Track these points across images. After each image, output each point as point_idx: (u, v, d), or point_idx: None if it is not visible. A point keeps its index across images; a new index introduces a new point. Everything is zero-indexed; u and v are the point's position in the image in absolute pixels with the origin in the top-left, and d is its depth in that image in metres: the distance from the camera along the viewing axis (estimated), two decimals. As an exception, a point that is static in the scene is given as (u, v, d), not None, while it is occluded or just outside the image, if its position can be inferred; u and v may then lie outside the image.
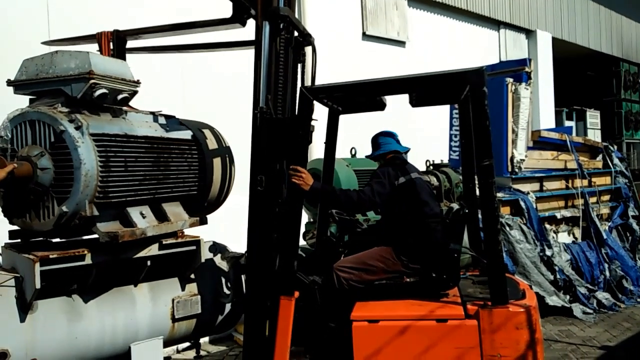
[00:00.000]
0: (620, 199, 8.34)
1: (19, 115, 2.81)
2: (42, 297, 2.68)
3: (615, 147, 9.25)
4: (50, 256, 2.65)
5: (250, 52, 3.11)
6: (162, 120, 3.35)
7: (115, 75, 2.92)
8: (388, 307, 2.91)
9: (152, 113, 3.33)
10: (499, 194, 6.43)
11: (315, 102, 3.00)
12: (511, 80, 6.72)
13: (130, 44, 3.61)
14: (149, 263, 3.05)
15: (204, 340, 5.32)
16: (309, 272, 3.12)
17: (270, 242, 2.95)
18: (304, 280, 3.05)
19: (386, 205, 3.24)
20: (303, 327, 3.03)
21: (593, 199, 7.71)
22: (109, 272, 2.95)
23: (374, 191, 3.07)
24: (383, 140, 3.44)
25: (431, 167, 6.37)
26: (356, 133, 4.86)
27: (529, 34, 11.66)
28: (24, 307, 2.63)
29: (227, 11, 3.27)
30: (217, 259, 3.51)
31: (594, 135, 13.38)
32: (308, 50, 3.26)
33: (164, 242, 3.11)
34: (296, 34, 3.18)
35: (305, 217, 4.98)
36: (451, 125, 7.07)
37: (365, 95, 3.34)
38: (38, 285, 2.57)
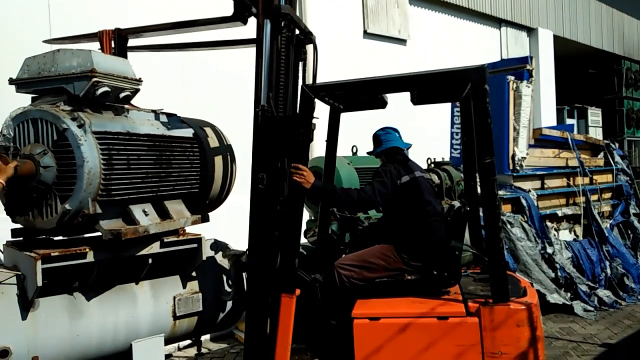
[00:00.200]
0: (621, 197, 8.34)
1: (21, 114, 2.81)
2: (43, 295, 2.69)
3: (617, 144, 9.24)
4: (52, 254, 2.66)
5: (251, 51, 3.11)
6: (163, 118, 3.35)
7: (117, 74, 2.93)
8: (389, 305, 2.91)
9: (154, 111, 3.34)
10: (500, 192, 6.42)
11: (316, 100, 3.00)
12: (512, 78, 6.71)
13: (132, 42, 3.61)
14: (150, 261, 3.06)
15: (205, 337, 5.33)
16: (310, 270, 3.13)
17: (271, 240, 2.95)
18: (305, 278, 3.05)
19: (388, 204, 3.24)
20: (304, 324, 3.03)
21: (594, 197, 7.71)
22: (111, 269, 2.96)
23: (375, 190, 3.06)
24: (385, 137, 3.42)
25: (432, 165, 6.37)
26: (357, 131, 4.86)
27: (531, 31, 11.64)
28: (26, 305, 2.63)
29: (228, 9, 3.27)
30: (219, 257, 3.51)
31: (596, 133, 13.36)
32: (309, 48, 3.25)
33: (165, 240, 3.11)
34: (297, 32, 3.17)
35: (306, 215, 4.99)
36: (452, 123, 7.07)
37: (366, 93, 3.34)
38: (40, 283, 2.58)
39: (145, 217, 2.98)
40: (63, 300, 2.79)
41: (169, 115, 3.42)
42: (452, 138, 7.09)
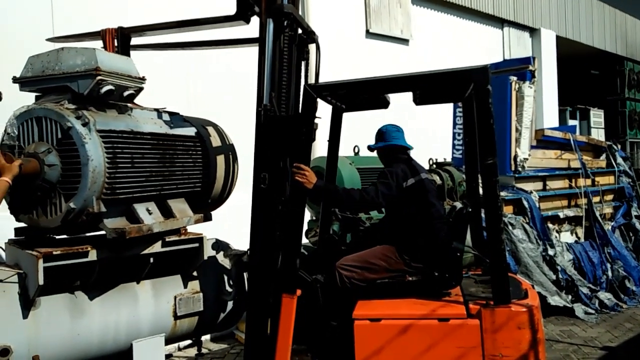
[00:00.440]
0: (623, 199, 8.33)
1: (25, 112, 2.81)
2: (44, 294, 2.69)
3: (619, 146, 9.23)
4: (54, 253, 2.66)
5: (254, 50, 3.10)
6: (166, 117, 3.35)
7: (121, 72, 2.93)
8: (390, 306, 2.91)
9: (157, 110, 3.34)
10: (502, 193, 6.42)
11: (318, 100, 2.99)
12: (515, 78, 6.70)
13: (135, 40, 3.61)
14: (151, 260, 3.05)
15: (206, 337, 5.33)
16: (311, 271, 3.13)
17: (273, 240, 2.95)
18: (306, 279, 3.05)
19: (391, 206, 3.23)
20: (305, 325, 3.03)
21: (596, 199, 7.69)
22: (112, 269, 2.96)
23: (379, 192, 3.04)
24: (395, 134, 3.36)
25: (434, 166, 6.36)
26: (359, 131, 4.85)
27: (533, 32, 11.62)
28: (27, 304, 2.63)
29: (231, 8, 3.27)
30: (220, 257, 3.51)
31: (598, 135, 13.33)
32: (312, 47, 3.25)
33: (167, 240, 3.11)
34: (300, 31, 3.17)
35: (308, 215, 4.98)
36: (455, 124, 7.06)
37: (369, 93, 3.33)
38: (41, 282, 2.57)
39: (149, 215, 2.98)
40: (64, 299, 2.79)
41: (171, 114, 3.42)
42: (454, 139, 7.08)
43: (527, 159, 6.77)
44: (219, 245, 3.55)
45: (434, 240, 3.10)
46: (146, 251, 3.02)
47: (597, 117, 14.06)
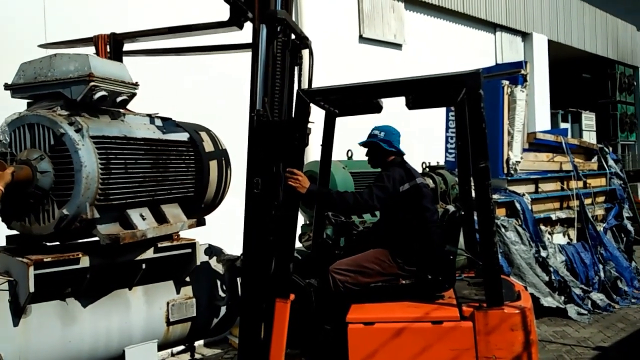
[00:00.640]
0: (615, 201, 8.39)
1: (17, 119, 2.80)
2: (35, 301, 2.67)
3: (610, 148, 9.30)
4: (45, 260, 2.65)
5: (247, 55, 3.11)
6: (159, 122, 3.35)
7: (114, 78, 2.93)
8: (384, 310, 2.91)
9: (149, 115, 3.34)
10: (495, 196, 6.45)
11: (312, 105, 3.01)
12: (507, 82, 6.75)
13: (127, 46, 3.61)
14: (144, 266, 3.04)
15: (199, 343, 5.32)
16: (304, 275, 3.12)
17: (266, 245, 2.95)
18: (300, 283, 3.05)
19: (386, 210, 3.23)
20: (298, 329, 3.02)
21: (588, 201, 7.75)
22: (104, 275, 2.95)
23: (374, 195, 3.03)
24: (395, 137, 3.30)
25: (427, 169, 6.39)
26: (353, 136, 4.86)
27: (525, 36, 11.71)
28: (18, 311, 2.61)
29: (224, 14, 3.28)
30: (213, 262, 3.51)
31: (589, 137, 13.45)
32: (305, 53, 3.26)
33: (159, 245, 3.11)
34: (293, 36, 3.18)
35: (301, 220, 4.98)
36: (447, 128, 7.09)
37: (362, 98, 3.35)
38: (32, 289, 2.56)
39: (142, 221, 2.98)
40: (55, 307, 2.77)
41: (164, 119, 3.42)
42: (447, 142, 7.12)
43: (519, 162, 6.81)
44: (211, 250, 3.54)
45: (429, 244, 3.11)
46: (138, 257, 3.02)
47: (588, 120, 14.19)
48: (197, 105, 5.82)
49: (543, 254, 6.48)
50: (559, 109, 13.27)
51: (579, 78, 15.61)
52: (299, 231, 4.24)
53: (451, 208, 3.38)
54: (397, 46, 8.78)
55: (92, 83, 2.77)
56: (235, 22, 3.26)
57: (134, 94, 3.09)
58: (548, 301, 6.13)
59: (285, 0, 3.04)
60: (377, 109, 3.48)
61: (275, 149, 2.96)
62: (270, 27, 2.97)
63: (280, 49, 3.00)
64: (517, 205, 6.60)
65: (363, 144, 3.36)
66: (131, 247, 2.95)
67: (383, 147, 3.25)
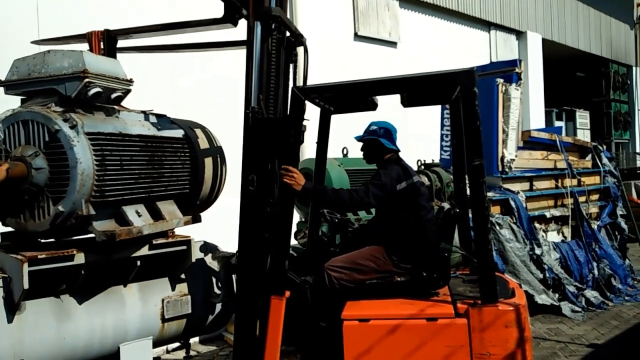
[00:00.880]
0: (609, 199, 8.43)
1: (11, 116, 2.79)
2: (30, 298, 2.66)
3: (605, 147, 9.34)
4: (39, 256, 2.64)
5: (241, 52, 3.11)
6: (153, 119, 3.34)
7: (109, 74, 2.92)
8: (379, 306, 2.92)
9: (144, 112, 3.33)
10: (489, 194, 6.47)
11: (307, 102, 3.00)
12: (501, 80, 6.76)
13: (121, 43, 3.59)
14: (138, 263, 3.04)
15: (194, 340, 5.32)
16: (300, 272, 3.13)
17: (261, 242, 2.95)
18: (295, 280, 3.05)
19: (382, 208, 3.24)
20: (294, 326, 3.03)
21: (582, 199, 7.78)
22: (99, 272, 2.94)
23: (370, 192, 3.03)
24: (394, 134, 3.29)
25: (422, 167, 6.40)
26: (348, 133, 4.87)
27: (519, 35, 11.75)
28: (12, 308, 2.60)
29: (218, 11, 3.27)
30: (208, 259, 3.50)
31: (584, 135, 13.52)
32: (300, 50, 3.26)
33: (154, 242, 3.10)
34: (288, 34, 3.18)
35: (296, 217, 4.99)
36: (442, 125, 7.10)
37: (357, 96, 3.35)
38: (26, 286, 2.55)
39: (138, 218, 2.97)
40: (50, 303, 2.76)
41: (159, 116, 3.41)
42: (441, 140, 7.13)
43: (513, 160, 6.83)
44: (207, 247, 3.54)
45: (425, 242, 3.12)
46: (133, 254, 3.01)
47: (582, 118, 14.26)
48: (191, 102, 5.80)
49: (537, 251, 6.51)
50: (553, 107, 13.33)
51: (573, 76, 15.68)
52: (294, 228, 4.25)
53: (446, 205, 3.39)
54: (392, 44, 8.79)
55: (87, 79, 2.76)
56: (229, 19, 3.25)
57: (128, 91, 3.08)
58: (542, 299, 6.16)
59: (280, -3, 3.04)
60: (372, 106, 3.49)
61: (271, 146, 2.95)
62: (264, 24, 2.96)
63: (275, 46, 3.00)
64: (512, 203, 6.62)
65: (362, 140, 3.35)
66: (126, 243, 2.94)
67: (383, 144, 3.25)
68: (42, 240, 2.94)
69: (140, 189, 3.02)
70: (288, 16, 3.22)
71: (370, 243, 3.23)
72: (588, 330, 5.76)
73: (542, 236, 6.94)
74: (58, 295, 2.81)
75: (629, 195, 9.65)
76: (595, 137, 13.60)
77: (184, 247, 3.24)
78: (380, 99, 3.47)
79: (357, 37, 8.20)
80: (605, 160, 8.63)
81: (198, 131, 3.57)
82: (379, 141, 3.25)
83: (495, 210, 6.54)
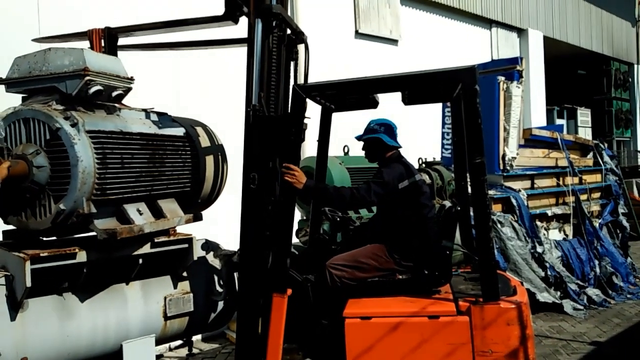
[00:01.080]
0: (610, 197, 8.42)
1: (12, 114, 2.79)
2: (32, 296, 2.67)
3: (606, 145, 9.33)
4: (41, 254, 2.64)
5: (242, 50, 3.10)
6: (154, 117, 3.34)
7: (109, 72, 2.92)
8: (380, 304, 2.92)
9: (145, 110, 3.33)
10: (491, 192, 6.47)
11: (308, 100, 3.00)
12: (503, 78, 6.76)
13: (122, 41, 3.59)
14: (140, 261, 3.04)
15: (197, 338, 5.31)
16: (301, 270, 3.13)
17: (263, 240, 2.95)
18: (297, 278, 3.05)
19: (384, 206, 3.23)
20: (296, 324, 3.03)
21: (583, 197, 7.78)
22: (101, 270, 2.94)
23: (371, 190, 3.03)
24: (395, 132, 3.28)
25: (424, 165, 6.40)
26: (349, 131, 4.86)
27: (521, 32, 11.73)
28: (15, 306, 2.61)
29: (219, 9, 3.26)
30: (210, 257, 3.50)
31: (585, 133, 13.52)
32: (301, 48, 3.25)
33: (156, 240, 3.10)
34: (289, 31, 3.17)
35: (298, 215, 4.99)
36: (443, 123, 7.10)
37: (358, 93, 3.35)
38: (29, 284, 2.55)
39: (139, 216, 2.97)
40: (52, 301, 2.77)
41: (160, 114, 3.41)
42: (443, 138, 7.12)
43: (515, 158, 6.83)
44: (208, 245, 3.54)
45: (426, 240, 3.12)
46: (135, 252, 3.01)
47: (584, 116, 14.26)
48: (192, 100, 5.80)
49: (539, 249, 6.51)
50: (555, 105, 13.32)
51: (574, 74, 15.66)
52: (295, 226, 4.25)
53: (447, 204, 3.39)
54: (393, 42, 8.77)
55: (87, 77, 2.76)
56: (230, 16, 3.24)
57: (129, 89, 3.08)
58: (544, 296, 6.17)
59: (281, -6, 3.03)
60: (374, 104, 3.48)
61: (272, 144, 2.95)
62: (265, 22, 2.96)
63: (275, 43, 2.99)
64: (513, 201, 6.62)
65: (365, 139, 3.34)
66: (128, 241, 2.94)
67: (385, 142, 3.24)
68: (44, 239, 2.94)
69: (141, 187, 3.02)
70: (289, 14, 3.22)
71: (372, 241, 3.23)
72: (590, 328, 5.76)
73: (544, 234, 6.94)
74: (60, 293, 2.81)
75: (630, 193, 9.64)
76: (597, 135, 13.60)
77: (186, 245, 3.24)
78: (382, 97, 3.47)
79: (358, 34, 8.19)
80: (606, 158, 8.62)
81: (199, 129, 3.57)
82: (380, 140, 3.24)
83: (496, 208, 6.54)
